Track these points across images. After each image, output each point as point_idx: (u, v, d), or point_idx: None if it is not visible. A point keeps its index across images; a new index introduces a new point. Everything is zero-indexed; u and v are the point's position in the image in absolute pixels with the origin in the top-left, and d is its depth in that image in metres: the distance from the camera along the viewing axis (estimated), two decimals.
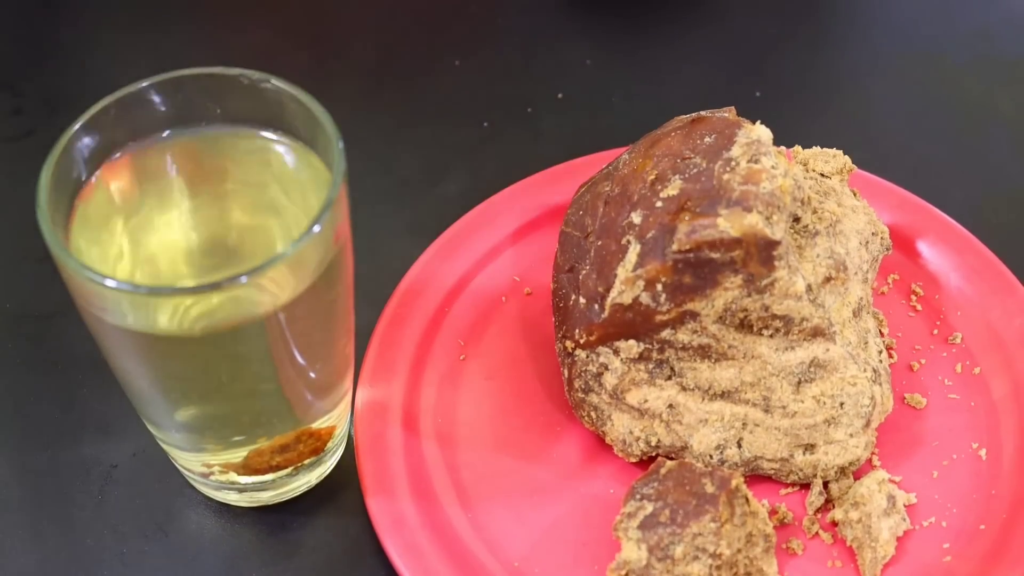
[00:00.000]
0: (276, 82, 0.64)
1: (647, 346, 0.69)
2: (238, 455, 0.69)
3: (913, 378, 0.76)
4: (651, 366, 0.70)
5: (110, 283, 0.57)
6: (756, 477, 0.72)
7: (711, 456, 0.71)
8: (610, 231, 0.70)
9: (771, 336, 0.68)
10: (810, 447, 0.70)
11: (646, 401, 0.70)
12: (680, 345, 0.69)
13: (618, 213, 0.70)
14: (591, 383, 0.71)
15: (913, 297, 0.80)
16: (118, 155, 0.65)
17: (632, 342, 0.69)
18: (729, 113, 0.72)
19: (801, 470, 0.71)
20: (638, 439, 0.71)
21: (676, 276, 0.66)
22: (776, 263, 0.66)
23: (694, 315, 0.68)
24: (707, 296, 0.67)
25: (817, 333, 0.68)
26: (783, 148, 0.75)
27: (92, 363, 0.77)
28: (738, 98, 0.92)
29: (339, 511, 0.73)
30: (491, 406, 0.76)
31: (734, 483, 0.66)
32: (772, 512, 0.71)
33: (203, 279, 0.64)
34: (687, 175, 0.68)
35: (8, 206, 0.88)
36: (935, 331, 0.78)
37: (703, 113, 0.72)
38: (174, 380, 0.64)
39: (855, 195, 0.76)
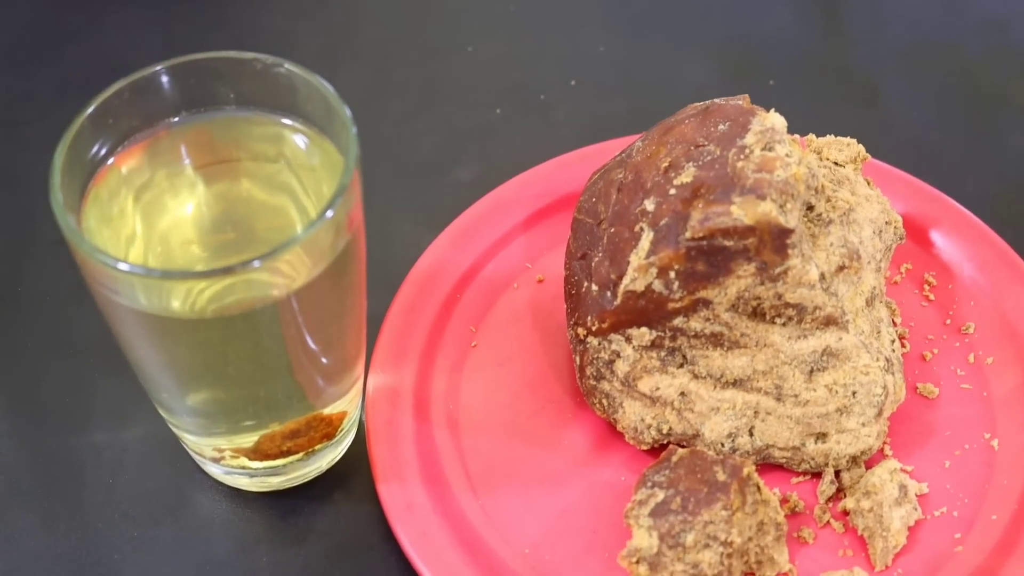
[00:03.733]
0: (290, 66, 0.64)
1: (659, 334, 0.69)
2: (249, 440, 0.69)
3: (925, 368, 0.76)
4: (663, 354, 0.70)
5: (123, 266, 0.57)
6: (768, 466, 0.72)
7: (723, 444, 0.71)
8: (623, 218, 0.70)
9: (784, 324, 0.69)
10: (822, 436, 0.71)
11: (658, 389, 0.71)
12: (692, 333, 0.69)
13: (631, 200, 0.70)
14: (603, 370, 0.71)
15: (926, 287, 0.80)
16: (131, 139, 0.65)
17: (644, 329, 0.69)
18: (743, 101, 0.72)
19: (813, 459, 0.71)
20: (649, 427, 0.71)
21: (689, 264, 0.66)
22: (789, 251, 0.66)
23: (707, 303, 0.68)
24: (720, 284, 0.67)
25: (830, 322, 0.68)
26: (797, 136, 0.75)
27: (104, 347, 0.77)
28: (752, 86, 0.92)
29: (350, 497, 0.74)
30: (502, 393, 0.76)
31: (746, 471, 0.66)
32: (783, 501, 0.71)
33: (216, 263, 0.65)
34: (701, 163, 0.68)
35: (19, 190, 0.88)
36: (948, 321, 0.78)
37: (717, 101, 0.72)
38: (186, 363, 0.64)
39: (869, 184, 0.76)
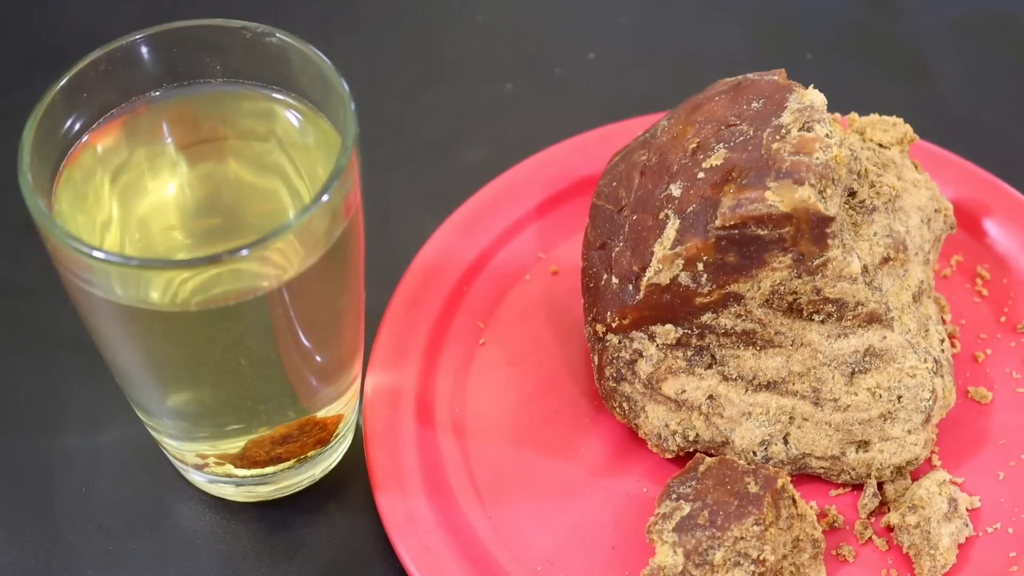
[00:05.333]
0: (282, 36, 0.64)
1: (686, 331, 0.69)
2: (235, 445, 0.69)
3: (978, 370, 0.76)
4: (690, 353, 0.70)
5: (98, 254, 0.57)
6: (804, 476, 0.72)
7: (755, 453, 0.71)
8: (646, 204, 0.70)
9: (822, 322, 0.68)
10: (864, 444, 0.70)
11: (684, 391, 0.70)
12: (722, 330, 0.69)
13: (655, 185, 0.70)
14: (623, 371, 0.71)
15: (979, 281, 0.80)
16: (107, 114, 0.65)
17: (669, 327, 0.69)
18: (779, 76, 0.71)
19: (854, 469, 0.71)
20: (674, 433, 0.71)
21: (719, 254, 0.66)
22: (829, 241, 0.66)
23: (738, 298, 0.68)
24: (753, 277, 0.67)
25: (873, 319, 0.68)
26: (838, 115, 0.75)
27: (76, 342, 0.77)
28: (789, 60, 0.92)
29: (345, 508, 0.74)
30: (513, 395, 0.76)
31: (780, 483, 0.66)
32: (821, 515, 0.71)
33: (200, 251, 0.65)
34: (732, 144, 0.68)
35: None
36: (1002, 318, 0.78)
37: (750, 76, 0.72)
38: (166, 361, 0.64)
39: (916, 168, 0.76)
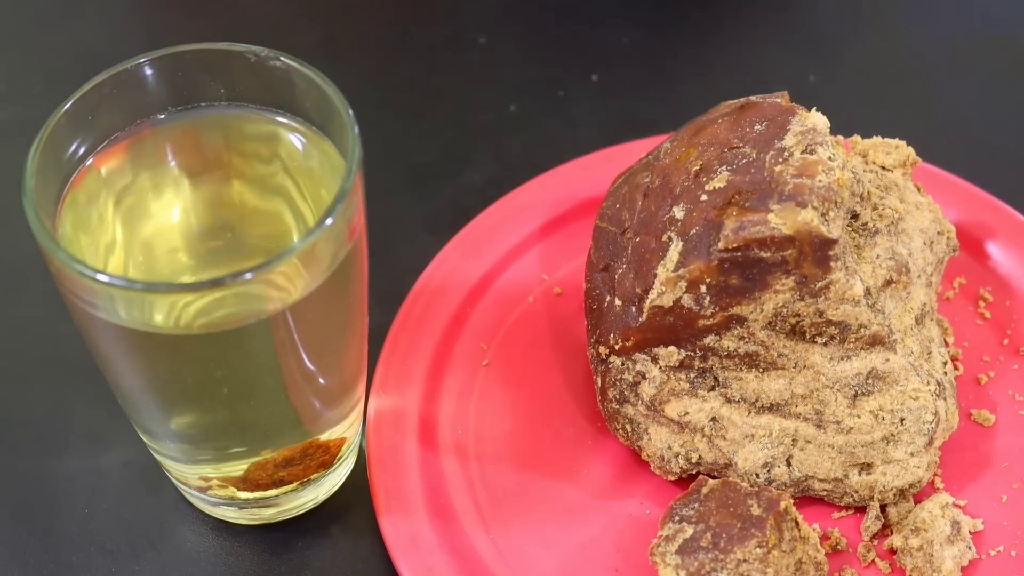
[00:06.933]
0: (286, 60, 0.64)
1: (689, 353, 0.69)
2: (239, 468, 0.69)
3: (981, 392, 0.76)
4: (693, 375, 0.70)
5: (102, 278, 0.57)
6: (807, 499, 0.72)
7: (757, 475, 0.71)
8: (649, 226, 0.70)
9: (825, 344, 0.68)
10: (866, 467, 0.70)
11: (687, 414, 0.70)
12: (725, 353, 0.69)
13: (658, 207, 0.70)
14: (626, 393, 0.71)
15: (981, 303, 0.80)
16: (111, 137, 0.65)
17: (672, 349, 0.69)
18: (782, 98, 0.72)
19: (856, 492, 0.71)
20: (677, 455, 0.71)
21: (722, 277, 0.66)
22: (832, 264, 0.66)
23: (741, 320, 0.68)
24: (756, 299, 0.67)
25: (876, 341, 0.68)
26: (840, 138, 0.75)
27: (80, 364, 0.77)
28: (791, 82, 0.92)
29: (348, 530, 0.74)
30: (516, 417, 0.76)
31: (783, 505, 0.66)
32: (824, 537, 0.71)
33: (204, 274, 0.65)
34: (735, 166, 0.68)
35: None
36: (1005, 341, 0.78)
37: (753, 98, 0.72)
38: (170, 383, 0.64)
39: (919, 190, 0.76)
